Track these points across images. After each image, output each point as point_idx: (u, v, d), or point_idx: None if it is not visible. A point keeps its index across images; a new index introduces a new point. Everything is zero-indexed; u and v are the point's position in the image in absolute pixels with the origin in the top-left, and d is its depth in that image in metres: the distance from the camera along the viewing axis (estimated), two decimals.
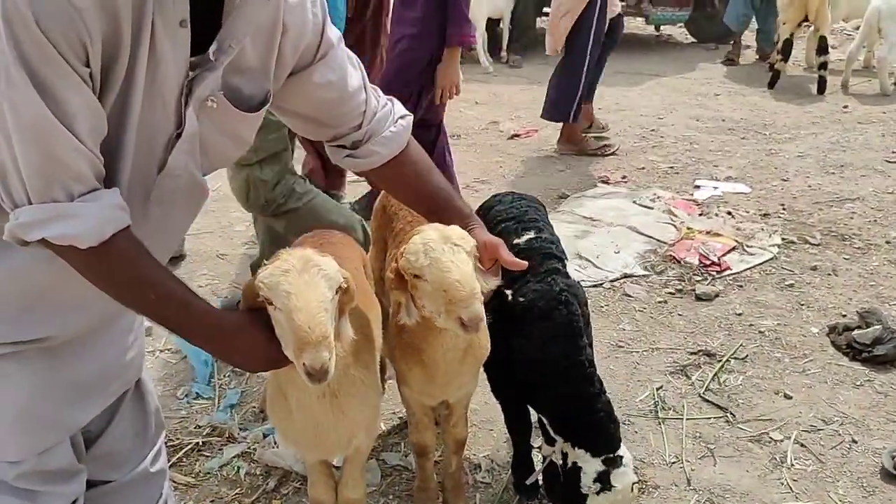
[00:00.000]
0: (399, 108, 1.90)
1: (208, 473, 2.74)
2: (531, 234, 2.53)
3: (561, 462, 2.32)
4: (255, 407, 3.08)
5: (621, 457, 2.24)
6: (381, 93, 1.87)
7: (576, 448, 2.26)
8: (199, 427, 2.97)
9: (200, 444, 2.87)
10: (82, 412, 1.65)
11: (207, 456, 2.83)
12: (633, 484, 2.21)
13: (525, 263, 1.97)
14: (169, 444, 2.86)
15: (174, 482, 2.68)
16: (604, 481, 2.19)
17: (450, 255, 1.84)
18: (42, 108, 1.23)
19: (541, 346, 2.30)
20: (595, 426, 2.25)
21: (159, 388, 3.17)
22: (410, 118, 1.91)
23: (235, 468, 2.76)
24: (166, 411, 3.03)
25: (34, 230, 1.31)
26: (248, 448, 2.85)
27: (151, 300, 1.45)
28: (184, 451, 2.83)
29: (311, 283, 1.60)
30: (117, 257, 1.37)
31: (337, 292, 1.66)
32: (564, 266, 2.46)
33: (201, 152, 1.53)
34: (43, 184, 1.29)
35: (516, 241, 2.52)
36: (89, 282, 1.40)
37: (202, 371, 3.28)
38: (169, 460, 2.75)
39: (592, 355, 2.34)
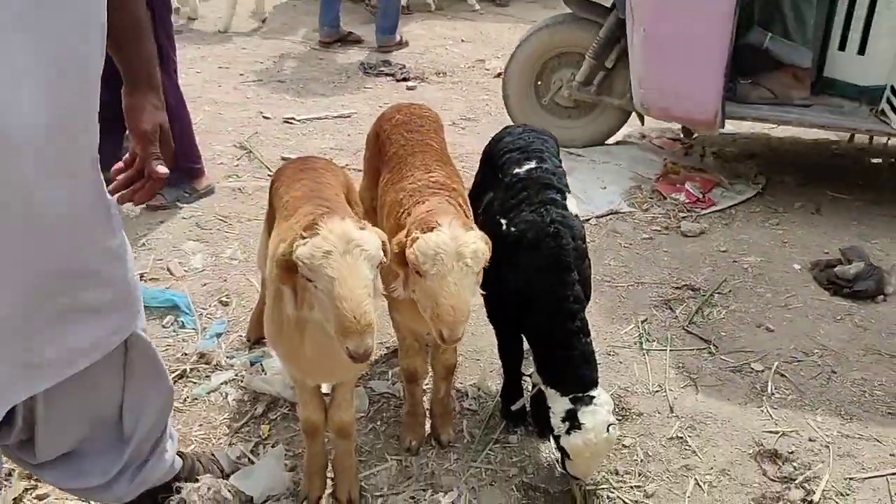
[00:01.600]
0: None
1: (196, 399, 2.75)
2: (532, 164, 2.51)
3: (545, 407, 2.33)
4: (241, 336, 3.08)
5: (592, 396, 2.21)
6: None
7: (548, 387, 2.28)
8: (186, 355, 2.97)
9: (188, 371, 2.87)
10: None
11: (195, 382, 2.83)
12: (609, 425, 2.18)
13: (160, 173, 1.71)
14: None
15: None
16: (572, 419, 2.18)
17: (457, 276, 1.87)
18: None
19: (526, 277, 2.30)
20: (566, 364, 2.24)
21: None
22: None
23: (223, 394, 2.77)
24: (152, 340, 3.02)
25: None
26: (236, 375, 2.86)
27: None
28: (171, 377, 2.82)
29: (354, 268, 1.61)
30: None
31: (378, 266, 1.71)
32: (564, 198, 2.44)
33: None
34: None
35: (517, 170, 2.50)
36: None
37: (183, 301, 3.25)
38: None
39: (583, 292, 2.32)
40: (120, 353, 1.77)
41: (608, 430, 2.18)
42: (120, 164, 1.72)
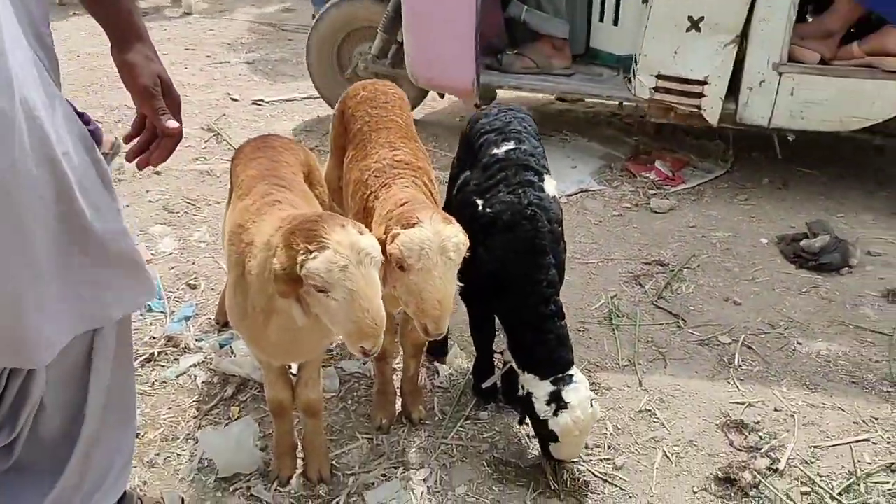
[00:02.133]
0: None
1: (164, 382, 2.73)
2: (510, 145, 2.49)
3: (521, 395, 2.34)
4: (210, 318, 3.05)
5: (571, 375, 2.24)
6: None
7: (525, 372, 2.28)
8: (154, 338, 2.94)
9: (156, 354, 2.85)
10: None
11: (163, 366, 2.81)
12: (591, 400, 2.22)
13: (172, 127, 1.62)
14: None
15: None
16: (557, 400, 2.20)
17: (441, 270, 1.87)
18: None
19: (501, 259, 2.29)
20: (542, 347, 2.25)
21: None
22: None
23: (192, 377, 2.75)
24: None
25: None
26: (205, 358, 2.84)
27: None
28: (138, 361, 2.80)
29: (368, 278, 1.68)
30: None
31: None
32: (541, 179, 2.42)
33: None
34: None
35: (495, 150, 2.48)
36: None
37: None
38: None
39: (557, 275, 2.32)
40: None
41: (591, 405, 2.21)
42: (129, 132, 1.64)
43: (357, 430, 2.56)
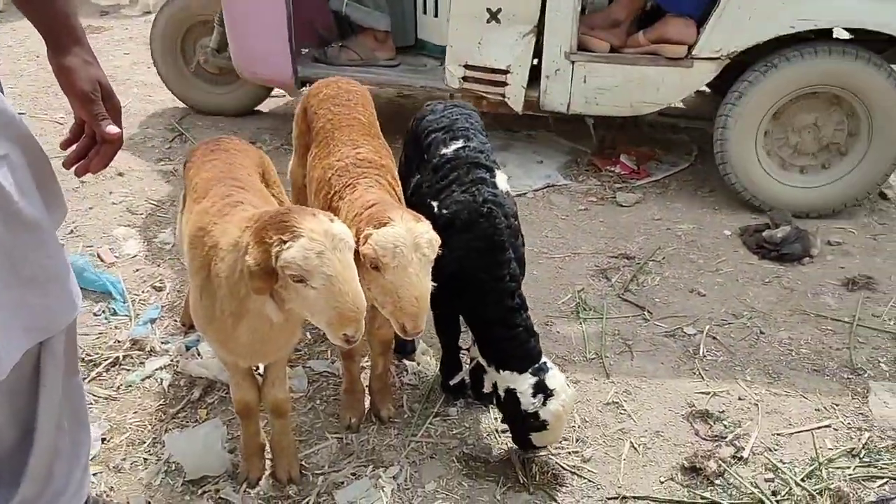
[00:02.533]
0: None
1: (130, 386, 2.69)
2: (459, 144, 2.49)
3: (497, 394, 2.34)
4: (176, 320, 3.02)
5: (545, 362, 2.29)
6: None
7: (502, 371, 2.30)
8: (119, 342, 2.90)
9: (121, 358, 2.81)
10: None
11: (128, 370, 2.77)
12: (567, 382, 2.28)
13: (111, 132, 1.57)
14: (87, 359, 2.79)
15: (93, 395, 2.63)
16: (543, 390, 2.23)
17: (416, 267, 1.88)
18: None
19: (461, 258, 2.29)
20: (514, 343, 2.28)
21: None
22: None
23: (158, 380, 2.72)
24: (83, 328, 2.95)
25: None
26: (171, 360, 2.81)
27: None
28: (103, 365, 2.76)
29: (345, 262, 1.68)
30: None
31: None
32: (493, 175, 2.43)
33: None
34: None
35: (444, 150, 2.48)
36: None
37: (116, 287, 3.17)
38: (87, 375, 2.71)
39: (518, 269, 2.34)
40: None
41: (568, 386, 2.28)
42: (67, 137, 1.59)
43: (326, 429, 2.55)
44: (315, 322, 1.77)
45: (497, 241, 2.28)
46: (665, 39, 3.89)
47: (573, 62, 3.93)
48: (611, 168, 4.41)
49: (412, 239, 1.88)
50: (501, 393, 2.32)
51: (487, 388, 2.42)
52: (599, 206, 4.07)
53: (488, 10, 3.91)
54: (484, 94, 4.13)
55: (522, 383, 2.25)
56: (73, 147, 1.57)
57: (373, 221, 1.92)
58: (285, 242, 1.64)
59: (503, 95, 4.06)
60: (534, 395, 2.23)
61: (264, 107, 5.24)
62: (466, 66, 4.10)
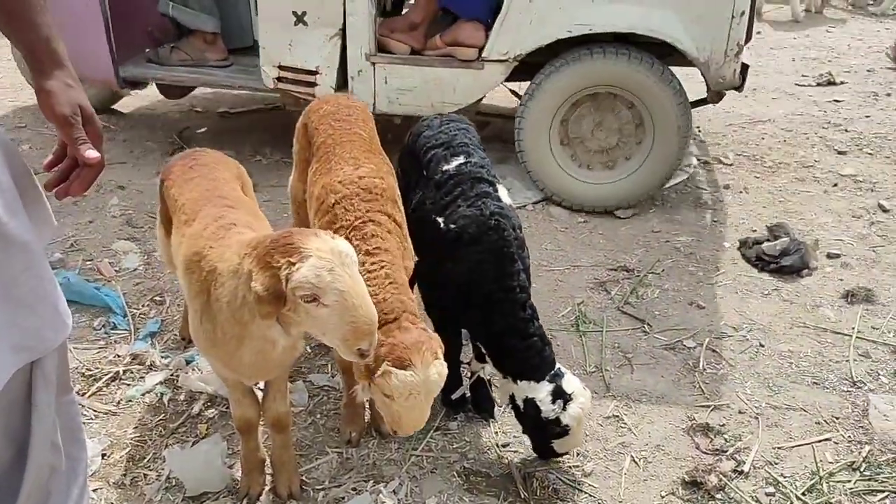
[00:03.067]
0: None
1: (130, 401, 2.69)
2: (461, 160, 2.51)
3: (515, 405, 2.36)
4: (175, 335, 3.02)
5: (559, 367, 2.32)
6: None
7: (519, 381, 2.31)
8: (119, 356, 2.90)
9: (121, 372, 2.81)
10: None
11: (128, 384, 2.77)
12: (582, 384, 2.32)
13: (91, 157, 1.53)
14: (87, 374, 2.80)
15: (93, 410, 2.63)
16: (562, 395, 2.25)
17: (423, 404, 1.97)
18: None
19: (471, 271, 2.31)
20: (531, 352, 2.29)
21: (73, 319, 3.07)
22: None
23: (158, 395, 2.72)
24: (83, 343, 2.95)
25: None
26: (171, 375, 2.81)
27: None
28: (103, 380, 2.76)
29: (354, 277, 1.70)
30: None
31: None
32: (496, 189, 2.46)
33: None
34: None
35: (446, 167, 2.50)
36: None
37: (116, 302, 3.18)
38: (87, 390, 2.72)
39: (526, 280, 2.36)
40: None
41: (584, 388, 2.31)
42: (50, 159, 1.57)
43: (327, 444, 2.55)
44: (327, 340, 1.78)
45: (506, 253, 2.30)
46: (458, 43, 4.03)
47: (374, 63, 4.08)
48: None
49: (427, 386, 1.94)
50: (520, 403, 2.34)
51: (504, 401, 2.45)
52: (599, 218, 4.08)
53: (294, 13, 4.06)
54: (296, 94, 4.25)
55: (541, 391, 2.28)
56: (56, 169, 1.56)
57: (393, 359, 1.92)
58: (294, 264, 1.65)
59: (313, 95, 4.12)
60: (553, 402, 2.26)
61: (264, 121, 5.26)
62: (280, 67, 4.22)
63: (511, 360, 2.33)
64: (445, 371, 1.99)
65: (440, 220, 2.40)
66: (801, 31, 7.58)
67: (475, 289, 2.31)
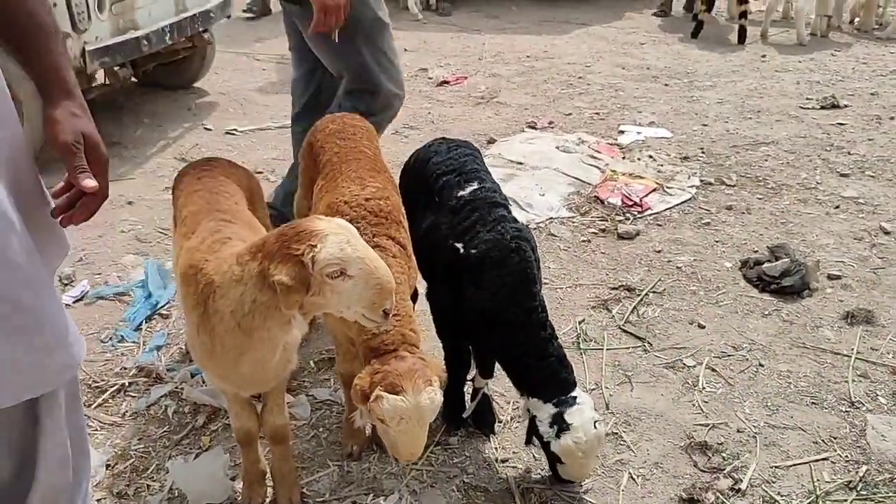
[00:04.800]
0: None
1: (135, 413, 2.73)
2: (475, 186, 2.56)
3: (529, 419, 2.39)
4: (182, 347, 3.07)
5: (574, 397, 2.30)
6: None
7: (529, 398, 2.34)
8: (125, 369, 2.95)
9: (126, 385, 2.85)
10: None
11: (134, 396, 2.81)
12: (595, 422, 2.28)
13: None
14: (93, 385, 2.84)
15: (99, 421, 2.67)
16: (559, 422, 2.25)
17: (417, 430, 2.02)
18: None
19: (494, 294, 2.34)
20: (546, 372, 2.31)
21: (81, 333, 3.12)
22: None
23: (163, 407, 2.76)
24: (89, 355, 2.99)
25: None
26: (176, 387, 2.85)
27: None
28: (109, 392, 2.80)
29: (365, 244, 1.81)
30: None
31: None
32: (510, 211, 2.52)
33: None
34: None
35: (460, 193, 2.55)
36: None
37: (142, 311, 3.23)
38: (93, 402, 2.76)
39: (543, 299, 2.40)
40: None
41: (595, 427, 2.27)
42: (60, 185, 1.57)
43: (328, 457, 2.58)
44: (351, 315, 1.85)
45: (529, 275, 2.35)
46: None
47: None
48: (613, 200, 4.46)
49: (418, 413, 1.98)
50: (529, 418, 2.37)
51: (522, 415, 2.46)
52: (601, 238, 4.11)
53: None
54: None
55: (543, 412, 2.30)
56: (64, 196, 1.56)
57: (385, 385, 1.99)
58: (315, 247, 1.71)
59: None
60: (550, 426, 2.27)
61: (273, 137, 5.33)
62: None
63: (525, 376, 2.36)
64: (439, 398, 2.02)
65: (459, 245, 2.43)
66: (805, 55, 7.62)
67: (498, 313, 2.34)
